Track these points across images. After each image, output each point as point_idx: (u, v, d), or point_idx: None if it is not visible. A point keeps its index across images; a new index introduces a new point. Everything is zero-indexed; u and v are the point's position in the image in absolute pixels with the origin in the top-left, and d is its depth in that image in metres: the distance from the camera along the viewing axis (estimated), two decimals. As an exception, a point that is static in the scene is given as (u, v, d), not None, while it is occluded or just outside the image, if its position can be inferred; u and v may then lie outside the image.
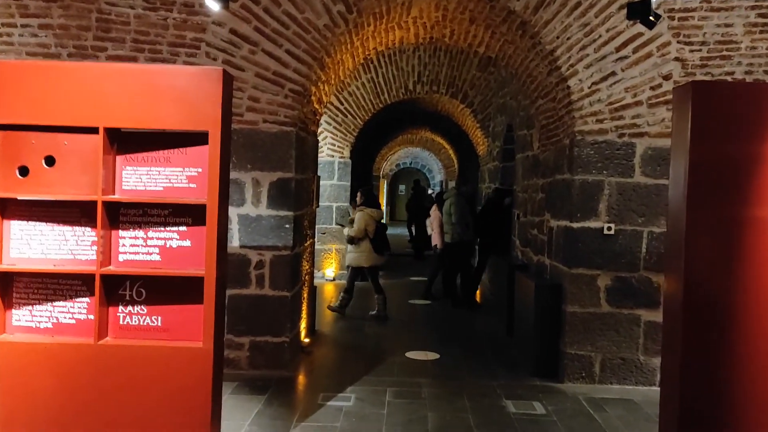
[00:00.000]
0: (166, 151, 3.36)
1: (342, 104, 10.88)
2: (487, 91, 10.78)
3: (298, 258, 5.90)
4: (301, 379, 5.59)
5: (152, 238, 3.38)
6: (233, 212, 5.54)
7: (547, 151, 6.55)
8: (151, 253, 3.37)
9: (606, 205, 5.57)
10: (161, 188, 3.35)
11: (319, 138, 11.06)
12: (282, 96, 5.46)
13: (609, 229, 5.55)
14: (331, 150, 11.11)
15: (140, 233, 3.37)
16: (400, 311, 8.80)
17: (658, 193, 5.54)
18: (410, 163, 29.13)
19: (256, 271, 5.57)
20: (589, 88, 5.42)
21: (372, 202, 8.42)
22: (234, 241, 5.55)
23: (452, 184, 20.30)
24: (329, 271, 11.21)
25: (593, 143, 5.56)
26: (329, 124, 10.96)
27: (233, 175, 5.54)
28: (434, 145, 20.34)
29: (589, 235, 5.57)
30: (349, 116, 10.95)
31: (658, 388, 5.63)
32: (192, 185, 3.34)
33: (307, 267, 6.48)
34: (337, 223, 10.94)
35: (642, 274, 5.54)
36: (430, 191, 19.17)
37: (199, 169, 3.33)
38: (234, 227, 5.55)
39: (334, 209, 11.23)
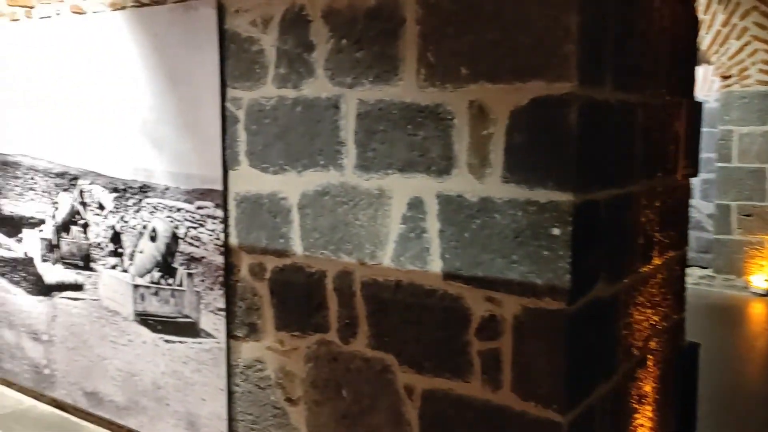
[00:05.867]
0: None
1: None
2: None
3: (601, 315, 2.25)
4: None
5: None
6: (412, 187, 2.25)
7: None
8: None
9: None
10: None
11: (742, 54, 6.53)
12: None
13: None
14: (763, 71, 6.44)
15: None
16: None
17: None
18: None
19: (483, 344, 2.18)
20: None
21: None
22: (427, 260, 2.26)
23: None
24: (758, 279, 6.66)
25: None
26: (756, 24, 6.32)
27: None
28: None
29: None
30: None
31: None
32: None
33: (658, 318, 2.71)
34: None
35: None
36: None
37: None
38: (429, 227, 2.25)
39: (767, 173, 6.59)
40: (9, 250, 3.78)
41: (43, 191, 3.55)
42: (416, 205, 2.28)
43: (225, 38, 2.72)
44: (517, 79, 2.02)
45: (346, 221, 2.46)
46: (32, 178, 3.60)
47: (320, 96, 2.46)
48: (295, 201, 2.58)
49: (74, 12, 3.31)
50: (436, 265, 2.25)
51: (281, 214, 2.63)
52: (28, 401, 3.75)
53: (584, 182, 2.02)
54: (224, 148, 2.76)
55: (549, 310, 2.02)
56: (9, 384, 3.90)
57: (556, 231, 1.98)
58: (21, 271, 3.73)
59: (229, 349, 2.87)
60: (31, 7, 3.53)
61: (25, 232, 3.68)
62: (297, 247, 2.60)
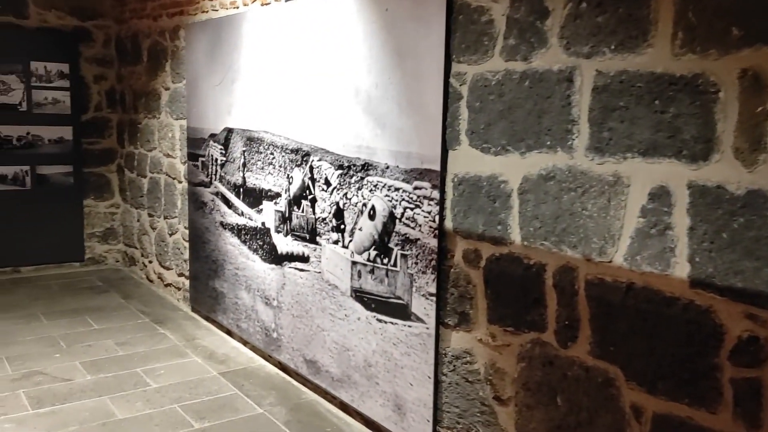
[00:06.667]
0: None
1: None
2: None
3: None
4: None
5: None
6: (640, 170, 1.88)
7: None
8: None
9: None
10: None
11: None
12: None
13: None
14: None
15: None
16: None
17: None
18: None
19: (738, 370, 1.77)
20: None
21: None
22: (670, 263, 1.89)
23: None
24: None
25: None
26: None
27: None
28: None
29: None
30: None
31: None
32: None
33: None
34: None
35: None
36: None
37: None
38: (676, 222, 1.88)
39: None
40: (250, 219, 4.10)
41: (280, 166, 3.76)
42: (660, 195, 1.92)
43: (453, 10, 2.57)
44: (812, 39, 1.56)
45: (571, 210, 2.17)
46: (272, 154, 3.84)
47: (552, 68, 2.20)
48: (516, 185, 2.35)
49: (314, -7, 3.42)
50: (681, 269, 1.88)
51: (500, 199, 2.42)
52: (259, 360, 4.05)
53: None
54: (444, 127, 2.62)
55: (837, 341, 1.56)
56: (244, 342, 4.25)
57: None
58: (259, 239, 4.02)
59: (438, 336, 2.76)
60: (279, -8, 3.74)
61: (264, 204, 3.95)
62: (515, 235, 2.37)
